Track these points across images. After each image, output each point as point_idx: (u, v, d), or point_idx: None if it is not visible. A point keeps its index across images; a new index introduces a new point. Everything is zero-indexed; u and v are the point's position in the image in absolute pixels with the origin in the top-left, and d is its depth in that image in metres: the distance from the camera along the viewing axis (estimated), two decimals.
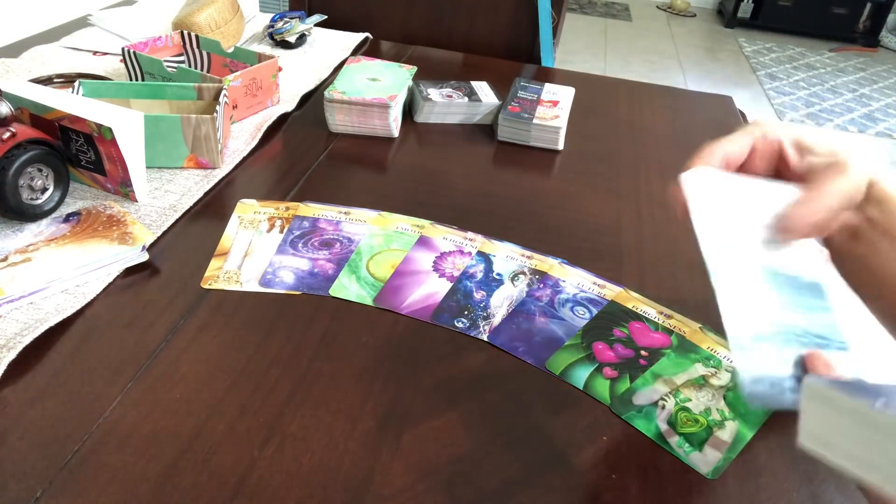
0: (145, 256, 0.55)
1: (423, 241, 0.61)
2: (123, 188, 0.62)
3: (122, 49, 0.79)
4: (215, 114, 0.66)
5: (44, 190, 0.58)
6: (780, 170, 0.43)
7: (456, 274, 0.57)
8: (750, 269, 0.38)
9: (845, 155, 0.42)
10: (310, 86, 0.91)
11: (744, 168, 0.43)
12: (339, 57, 1.02)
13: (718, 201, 0.39)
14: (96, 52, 0.95)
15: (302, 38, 1.04)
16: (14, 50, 0.93)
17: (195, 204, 0.64)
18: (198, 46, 0.87)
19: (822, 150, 0.42)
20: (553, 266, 0.60)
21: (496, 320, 0.53)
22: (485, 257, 0.60)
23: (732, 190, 0.40)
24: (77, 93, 0.68)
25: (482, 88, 0.88)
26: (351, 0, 1.26)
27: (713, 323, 0.55)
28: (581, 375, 0.49)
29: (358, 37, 1.10)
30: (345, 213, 0.64)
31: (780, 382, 0.35)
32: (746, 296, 0.37)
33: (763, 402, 0.35)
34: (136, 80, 0.80)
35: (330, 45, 1.06)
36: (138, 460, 0.40)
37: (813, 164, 0.41)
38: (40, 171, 0.58)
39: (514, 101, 0.86)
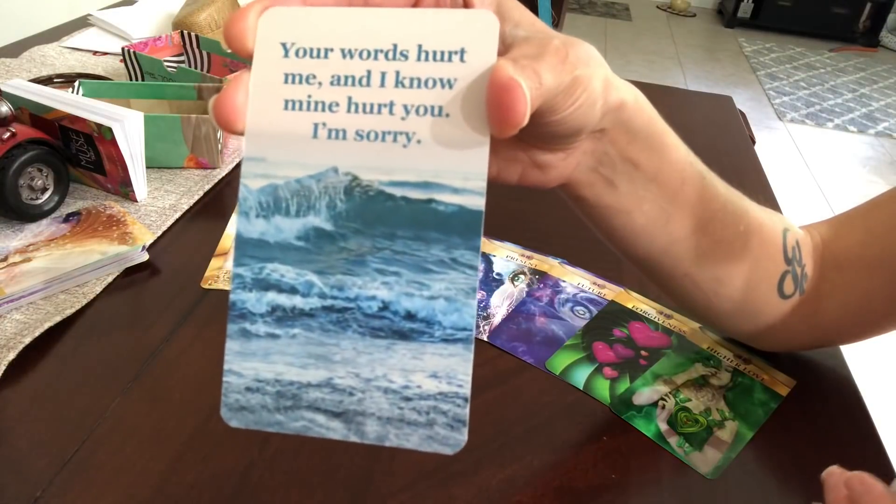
0: (145, 256, 0.55)
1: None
2: (123, 188, 0.62)
3: (122, 49, 0.79)
4: None
5: (44, 190, 0.58)
6: None
7: None
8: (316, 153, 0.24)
9: (574, 46, 0.29)
10: None
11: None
12: None
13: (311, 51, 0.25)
14: (96, 52, 0.95)
15: None
16: (14, 50, 0.93)
17: (195, 204, 0.64)
18: (198, 46, 0.87)
19: (532, 27, 0.30)
20: (553, 266, 0.60)
21: (496, 320, 0.53)
22: (485, 257, 0.60)
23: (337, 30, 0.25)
24: (77, 93, 0.68)
25: None
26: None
27: None
28: (581, 375, 0.49)
29: None
30: None
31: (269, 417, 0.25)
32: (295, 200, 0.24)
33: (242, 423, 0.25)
34: (136, 80, 0.80)
35: None
36: (138, 460, 0.40)
37: (518, 37, 0.29)
38: (40, 171, 0.58)
39: None
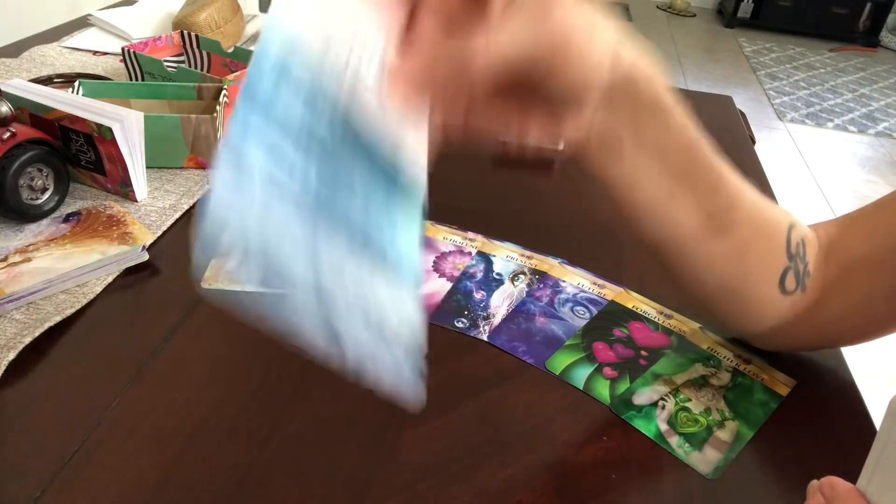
0: (145, 256, 0.55)
1: (423, 241, 0.61)
2: (123, 188, 0.62)
3: (122, 49, 0.79)
4: (215, 114, 0.66)
5: (44, 190, 0.58)
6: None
7: (456, 274, 0.57)
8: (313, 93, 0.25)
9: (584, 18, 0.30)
10: None
11: None
12: None
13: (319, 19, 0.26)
14: (96, 52, 0.95)
15: None
16: (14, 50, 0.93)
17: (195, 204, 0.64)
18: (198, 46, 0.87)
19: None
20: (553, 266, 0.60)
21: (496, 320, 0.53)
22: (485, 257, 0.60)
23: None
24: (77, 93, 0.68)
25: None
26: None
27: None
28: (581, 375, 0.49)
29: None
30: None
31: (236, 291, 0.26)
32: (292, 113, 0.25)
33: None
34: (136, 80, 0.80)
35: None
36: (138, 460, 0.40)
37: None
38: (40, 171, 0.58)
39: None
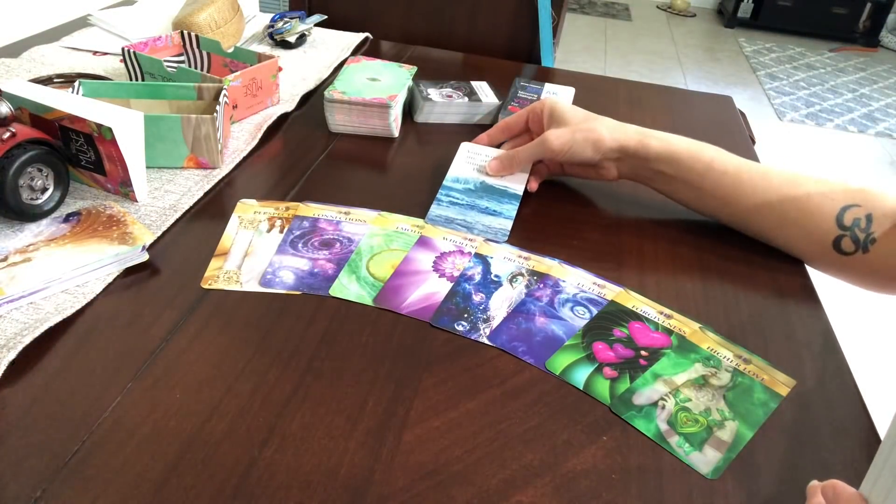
0: (145, 256, 0.55)
1: (422, 242, 0.61)
2: (123, 188, 0.62)
3: (122, 49, 0.79)
4: (215, 114, 0.66)
5: (44, 190, 0.58)
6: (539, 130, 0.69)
7: (456, 274, 0.57)
8: (472, 175, 0.69)
9: (571, 124, 0.66)
10: (310, 86, 0.91)
11: (526, 127, 0.72)
12: (339, 57, 1.02)
13: (472, 154, 0.72)
14: (96, 52, 0.95)
15: (302, 38, 1.04)
16: (14, 50, 0.93)
17: (195, 204, 0.64)
18: (198, 46, 0.87)
19: (561, 118, 0.66)
20: (551, 267, 0.60)
21: (496, 321, 0.53)
22: (482, 259, 0.60)
23: (481, 150, 0.73)
24: (77, 93, 0.68)
25: (482, 88, 0.88)
26: (351, 0, 1.26)
27: (713, 323, 0.55)
28: (581, 375, 0.49)
29: (358, 37, 1.10)
30: (345, 212, 0.64)
31: (453, 219, 0.63)
32: (462, 182, 0.68)
33: (437, 224, 0.63)
34: (136, 80, 0.80)
35: (330, 45, 1.06)
36: (138, 460, 0.40)
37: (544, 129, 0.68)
38: (40, 171, 0.58)
39: (514, 101, 0.86)
